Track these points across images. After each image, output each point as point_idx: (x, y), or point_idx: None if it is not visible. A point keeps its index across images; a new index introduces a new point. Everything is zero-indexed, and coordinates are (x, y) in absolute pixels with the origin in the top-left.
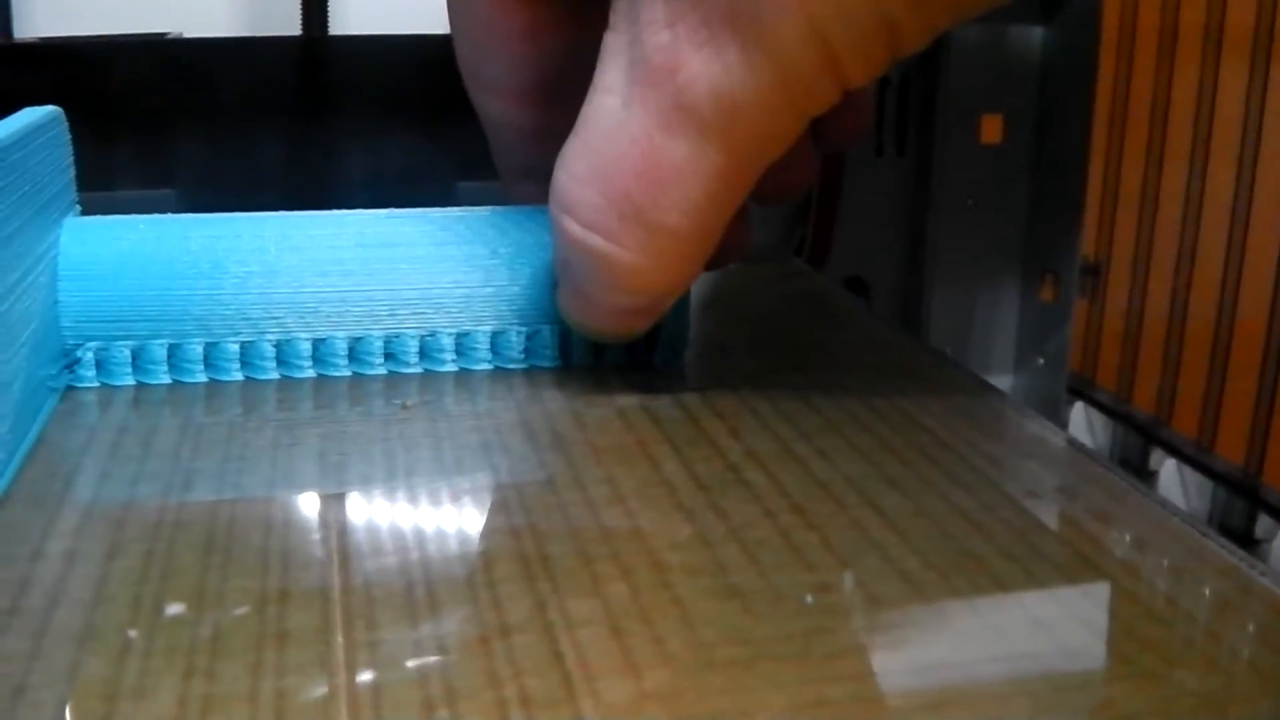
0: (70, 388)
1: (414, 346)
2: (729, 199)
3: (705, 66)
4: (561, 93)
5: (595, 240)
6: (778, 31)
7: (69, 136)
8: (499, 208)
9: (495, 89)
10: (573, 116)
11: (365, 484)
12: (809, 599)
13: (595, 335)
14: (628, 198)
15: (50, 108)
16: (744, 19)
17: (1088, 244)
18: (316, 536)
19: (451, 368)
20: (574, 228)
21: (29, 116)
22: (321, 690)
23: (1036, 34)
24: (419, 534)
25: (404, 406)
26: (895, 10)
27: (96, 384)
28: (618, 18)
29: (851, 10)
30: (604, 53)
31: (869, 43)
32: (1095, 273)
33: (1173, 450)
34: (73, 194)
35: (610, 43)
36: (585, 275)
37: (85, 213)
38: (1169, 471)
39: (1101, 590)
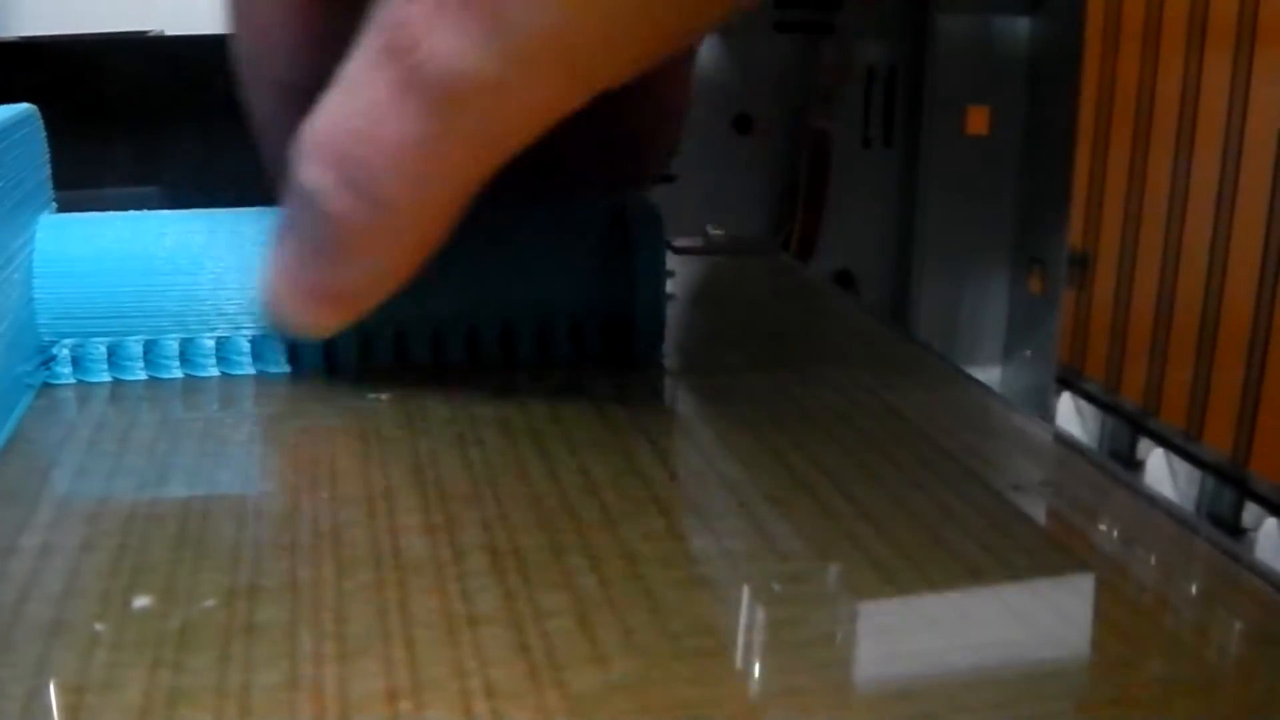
0: (47, 385)
1: (389, 341)
2: (456, 183)
3: (441, 45)
4: None
5: (326, 190)
6: (515, 16)
7: (44, 134)
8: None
9: (281, 90)
10: None
11: (338, 477)
12: (780, 589)
13: (295, 322)
14: (357, 162)
15: (24, 105)
16: (488, 3)
17: (1075, 235)
18: (288, 530)
19: (427, 361)
20: (307, 173)
21: (2, 114)
22: (288, 682)
23: (1023, 25)
24: (390, 527)
25: (379, 400)
26: (653, 7)
27: (73, 381)
28: None
29: (602, 6)
30: (369, 19)
31: (615, 35)
32: (1083, 264)
33: (1161, 440)
34: (48, 191)
35: (371, 12)
36: (307, 232)
37: (67, 211)
38: (1157, 461)
39: (1080, 581)
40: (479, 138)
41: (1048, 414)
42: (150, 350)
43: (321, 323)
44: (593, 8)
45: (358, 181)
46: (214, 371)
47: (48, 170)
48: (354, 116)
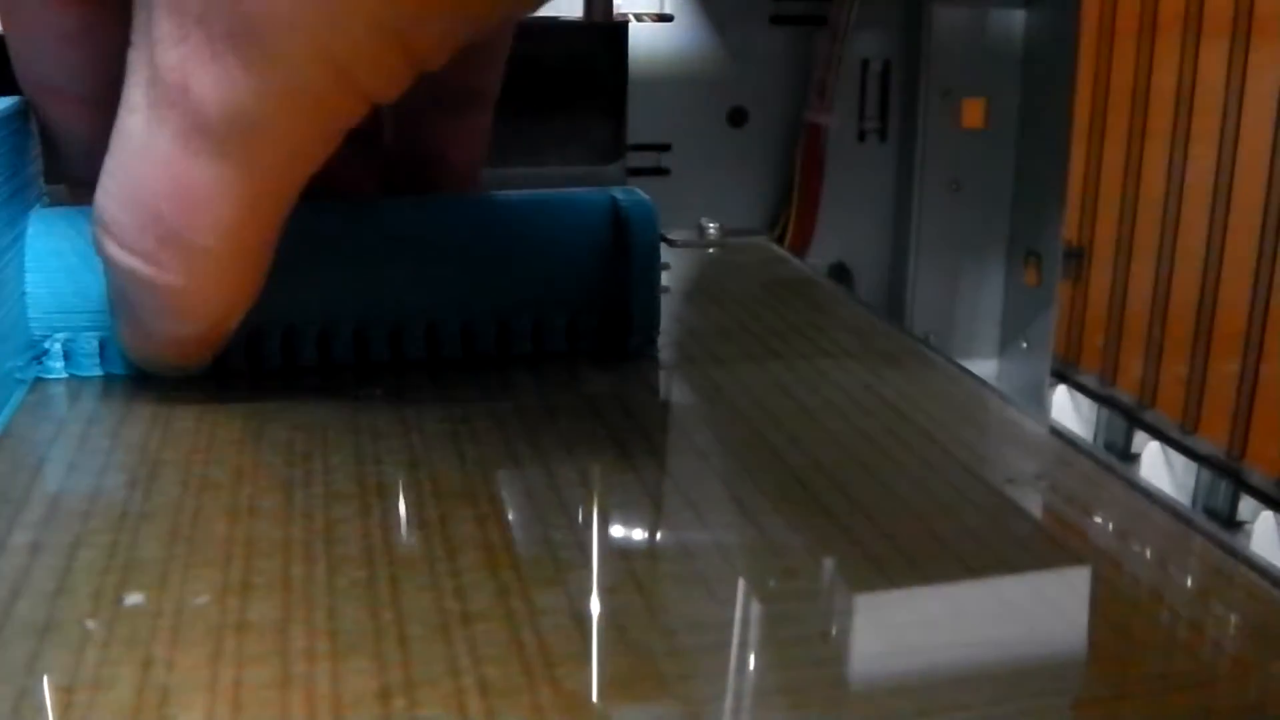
0: (39, 380)
1: (384, 336)
2: (264, 217)
3: (215, 85)
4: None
5: (136, 263)
6: (279, 49)
7: (35, 128)
8: (466, 195)
9: (53, 94)
10: None
11: (331, 473)
12: (776, 585)
13: (160, 367)
14: (160, 220)
15: (16, 99)
16: (246, 37)
17: (1071, 228)
18: (281, 526)
19: (422, 356)
20: (114, 250)
21: None
22: (280, 680)
23: (1018, 17)
24: (383, 523)
25: (373, 395)
26: (401, 25)
27: (65, 375)
28: (136, 32)
29: (351, 26)
30: (128, 67)
31: (381, 58)
32: (1079, 256)
33: (1156, 433)
34: (40, 186)
35: (132, 58)
36: (135, 301)
37: (59, 205)
38: (1153, 454)
39: (1074, 575)
40: (274, 165)
41: (1043, 407)
42: None
43: (187, 361)
44: (352, 20)
45: (170, 244)
46: (206, 365)
47: (39, 164)
48: (147, 176)
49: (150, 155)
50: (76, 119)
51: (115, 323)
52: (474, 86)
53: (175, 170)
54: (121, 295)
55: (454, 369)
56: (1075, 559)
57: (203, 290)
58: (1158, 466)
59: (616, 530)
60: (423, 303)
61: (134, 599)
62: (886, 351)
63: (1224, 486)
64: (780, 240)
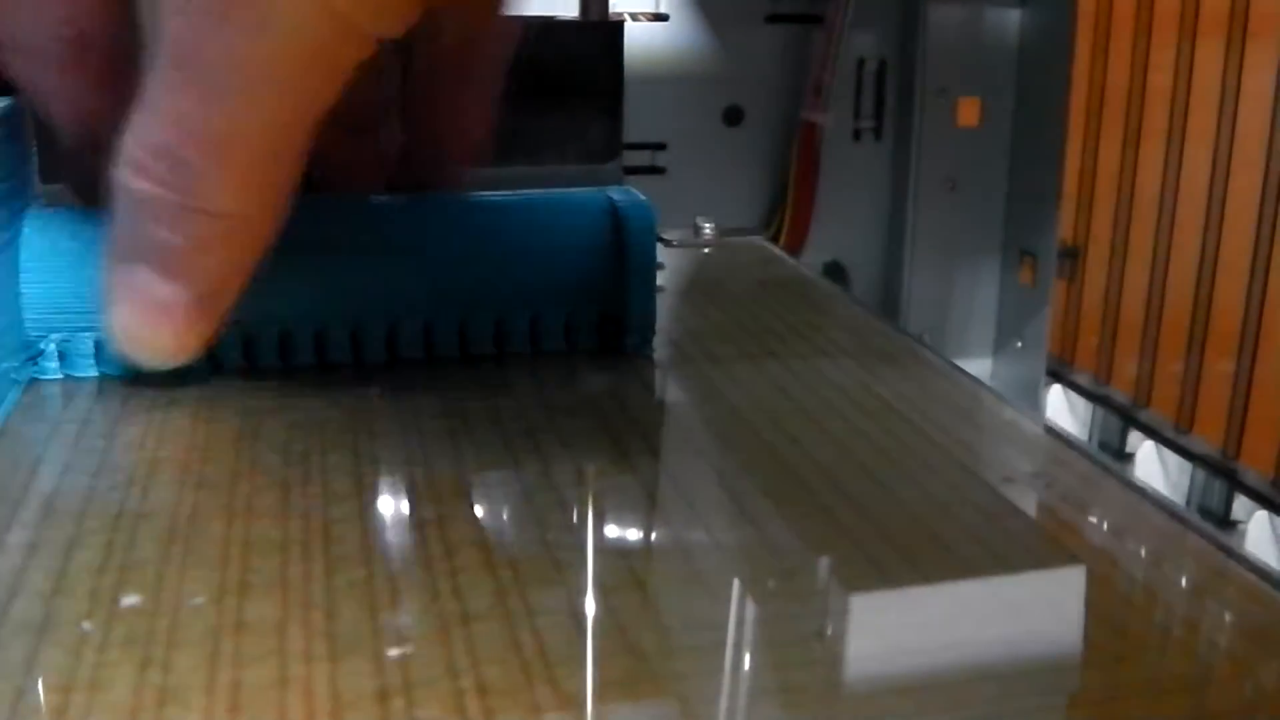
0: (34, 380)
1: (381, 335)
2: (279, 161)
3: (221, 30)
4: (112, 57)
5: (157, 190)
6: (281, 6)
7: (29, 129)
8: (459, 195)
9: (36, 56)
10: (123, 84)
11: (329, 473)
12: (775, 585)
13: (148, 352)
14: (187, 164)
15: (8, 99)
16: None
17: (1066, 227)
18: (278, 526)
19: (419, 355)
20: (142, 184)
21: None
22: (278, 681)
23: (1014, 17)
24: (380, 523)
25: (370, 395)
26: None
27: (60, 376)
28: None
29: None
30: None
31: (384, 2)
32: (1074, 256)
33: (1151, 432)
34: (34, 186)
35: (149, 24)
36: (154, 245)
37: (54, 205)
38: (1147, 453)
39: (1074, 575)
40: (285, 114)
41: (1038, 406)
42: None
43: (178, 340)
44: None
45: (197, 181)
46: (203, 365)
47: (33, 164)
48: (173, 120)
49: (172, 100)
50: (60, 81)
51: (115, 299)
52: (483, 51)
53: (191, 116)
54: (128, 247)
55: (451, 368)
56: (1072, 558)
57: (222, 231)
58: (1152, 466)
59: (614, 530)
60: (420, 302)
61: (131, 599)
62: (883, 351)
63: (1219, 486)
64: (775, 239)
